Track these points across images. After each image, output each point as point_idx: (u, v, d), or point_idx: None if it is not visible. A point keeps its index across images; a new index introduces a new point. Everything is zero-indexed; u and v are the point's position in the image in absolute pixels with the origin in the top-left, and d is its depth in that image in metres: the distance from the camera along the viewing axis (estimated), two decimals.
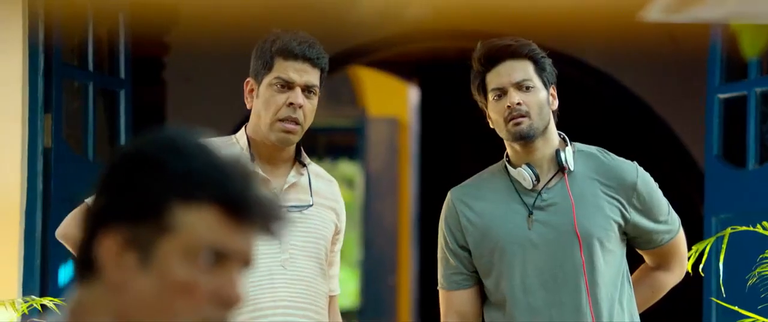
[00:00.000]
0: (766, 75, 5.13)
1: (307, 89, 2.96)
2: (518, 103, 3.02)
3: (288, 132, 2.94)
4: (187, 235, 1.37)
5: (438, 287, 3.17)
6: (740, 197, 5.06)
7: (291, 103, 2.92)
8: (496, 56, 3.07)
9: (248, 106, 3.01)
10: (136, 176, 1.39)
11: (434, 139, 9.57)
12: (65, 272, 5.02)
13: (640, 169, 3.13)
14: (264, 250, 2.92)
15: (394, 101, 10.06)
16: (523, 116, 3.02)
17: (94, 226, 1.39)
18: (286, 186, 2.99)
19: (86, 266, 1.39)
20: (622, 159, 3.15)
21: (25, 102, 4.88)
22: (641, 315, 3.19)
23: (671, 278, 3.23)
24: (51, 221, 4.93)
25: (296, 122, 2.94)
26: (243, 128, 3.03)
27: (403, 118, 10.15)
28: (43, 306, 4.03)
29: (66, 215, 5.16)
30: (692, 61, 6.11)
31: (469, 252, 3.10)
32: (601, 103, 7.80)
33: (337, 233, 3.13)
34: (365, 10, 7.03)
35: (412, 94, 9.80)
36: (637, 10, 5.90)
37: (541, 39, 3.26)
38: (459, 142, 9.17)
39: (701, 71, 5.30)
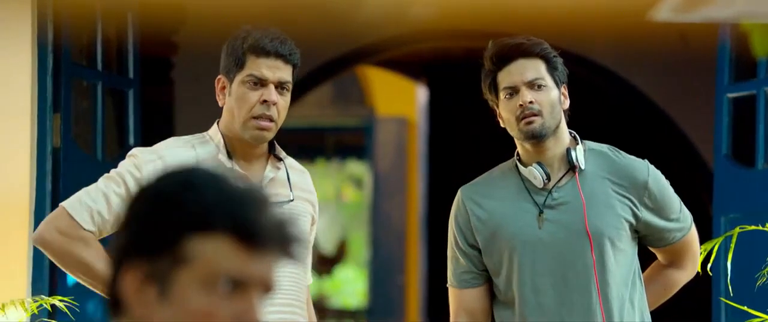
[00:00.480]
0: None
1: (279, 86, 2.95)
2: (530, 102, 3.01)
3: (262, 129, 2.94)
4: (203, 265, 1.40)
5: (448, 286, 3.17)
6: (749, 196, 5.05)
7: (265, 101, 2.93)
8: (508, 55, 3.07)
9: (220, 104, 3.00)
10: (152, 211, 1.43)
11: (442, 138, 9.56)
12: None
13: (652, 167, 3.13)
14: None
15: (402, 101, 10.06)
16: (535, 115, 3.02)
17: (117, 263, 1.44)
18: (266, 182, 2.99)
19: (115, 302, 1.43)
20: (633, 157, 3.14)
21: (34, 102, 4.88)
22: (651, 314, 3.19)
23: (683, 276, 3.22)
24: None
25: (270, 119, 2.94)
26: (215, 124, 3.03)
27: (411, 118, 10.15)
28: (52, 306, 4.03)
29: None
30: (701, 61, 6.10)
31: (479, 251, 3.10)
32: (609, 103, 7.80)
33: (312, 223, 3.13)
34: (372, 10, 7.03)
35: (421, 93, 9.80)
36: (646, 10, 5.89)
37: (549, 38, 3.26)
38: (467, 141, 9.16)
39: (710, 71, 5.29)
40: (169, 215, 1.42)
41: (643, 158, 3.22)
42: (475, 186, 3.14)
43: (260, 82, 2.93)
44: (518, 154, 3.12)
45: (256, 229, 1.41)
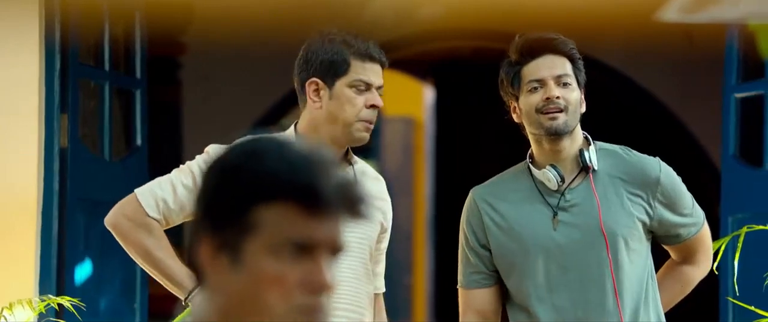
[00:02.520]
0: None
1: (378, 89, 3.08)
2: (557, 97, 3.00)
3: (367, 131, 3.05)
4: (270, 233, 1.47)
5: (458, 286, 3.16)
6: (757, 196, 5.04)
7: (373, 105, 3.04)
8: (537, 48, 3.05)
9: (312, 107, 3.05)
10: (219, 183, 1.50)
11: (450, 138, 9.56)
12: (81, 272, 5.04)
13: (663, 163, 3.12)
14: None
15: (409, 101, 10.06)
16: (560, 111, 3.01)
17: (193, 236, 1.51)
18: None
19: (196, 273, 1.52)
20: (644, 155, 3.14)
21: (41, 102, 4.89)
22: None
23: (698, 272, 3.21)
24: (67, 220, 4.94)
25: (372, 122, 3.05)
26: (292, 127, 3.07)
27: (418, 118, 10.15)
28: (59, 305, 4.04)
29: (82, 214, 5.19)
30: (709, 61, 6.09)
31: (490, 251, 3.09)
32: (616, 103, 7.79)
33: (383, 231, 3.17)
34: (379, 10, 7.03)
35: (428, 93, 9.80)
36: (653, 10, 5.89)
37: None
38: (474, 141, 9.16)
39: (718, 71, 5.29)
40: (235, 185, 1.47)
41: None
42: (487, 187, 3.13)
43: (367, 87, 3.02)
44: (531, 156, 3.11)
45: (318, 192, 1.46)
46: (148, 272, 3.03)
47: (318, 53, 3.04)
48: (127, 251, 3.03)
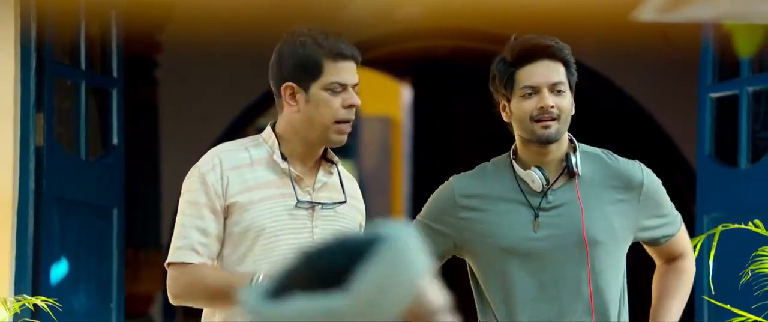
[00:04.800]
0: (758, 74, 5.14)
1: (354, 87, 3.05)
2: (552, 106, 3.00)
3: (345, 133, 3.03)
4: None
5: None
6: (732, 195, 5.07)
7: (350, 105, 3.02)
8: (533, 54, 3.04)
9: (288, 110, 3.05)
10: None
11: (427, 137, 9.57)
12: (57, 271, 5.02)
13: (645, 167, 3.13)
14: (295, 246, 2.95)
15: (387, 100, 10.06)
16: (553, 120, 3.00)
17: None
18: (319, 185, 3.04)
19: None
20: (626, 160, 3.14)
21: (17, 101, 4.87)
22: (634, 311, 3.19)
23: (690, 263, 3.20)
24: (43, 220, 4.92)
25: (350, 122, 3.04)
26: (268, 127, 3.06)
27: (396, 117, 10.15)
28: (35, 305, 4.03)
29: (58, 214, 5.17)
30: (685, 61, 6.12)
31: (448, 245, 3.09)
32: (592, 103, 7.81)
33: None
34: (358, 10, 7.03)
35: (405, 93, 9.81)
36: (630, 10, 5.91)
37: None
38: (452, 140, 9.17)
39: (693, 70, 5.31)
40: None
41: (625, 157, 3.22)
42: (469, 179, 3.12)
43: (343, 87, 3.01)
44: (515, 153, 3.11)
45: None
46: (228, 304, 2.96)
47: (290, 56, 3.03)
48: (213, 306, 3.00)
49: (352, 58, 3.02)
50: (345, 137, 3.03)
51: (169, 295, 3.01)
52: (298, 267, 1.42)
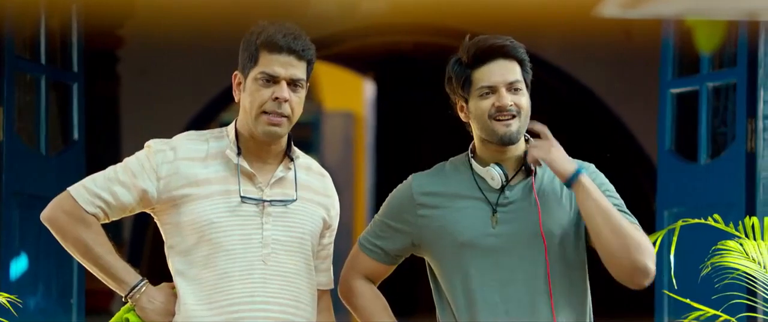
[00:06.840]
0: (718, 70, 5.18)
1: (292, 83, 2.97)
2: (511, 105, 3.01)
3: (273, 125, 2.96)
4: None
5: (357, 241, 3.20)
6: (692, 190, 5.11)
7: (276, 98, 2.95)
8: (488, 54, 3.05)
9: (236, 100, 3.03)
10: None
11: (390, 133, 9.58)
12: (17, 267, 4.99)
13: (592, 166, 3.15)
14: (245, 245, 2.94)
15: (349, 95, 10.06)
16: (513, 117, 3.02)
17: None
18: (273, 181, 3.01)
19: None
20: (579, 160, 3.16)
21: None
22: (594, 306, 3.21)
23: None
24: (2, 215, 4.89)
25: (281, 115, 2.97)
26: (233, 122, 3.04)
27: (358, 112, 10.16)
28: None
29: (18, 208, 5.13)
30: (645, 56, 6.16)
31: (406, 243, 3.10)
32: (553, 98, 7.85)
33: (326, 227, 3.14)
34: (322, 5, 7.03)
35: (368, 88, 9.81)
36: (591, 6, 5.94)
37: (496, 33, 3.27)
38: (414, 135, 9.18)
39: (654, 66, 5.35)
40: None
41: (587, 153, 3.24)
42: (427, 177, 3.14)
43: (272, 79, 2.96)
44: (473, 150, 3.12)
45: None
46: (87, 267, 3.00)
47: (242, 45, 3.02)
48: (65, 247, 3.00)
49: (291, 51, 2.95)
50: (275, 130, 2.96)
51: (47, 211, 2.99)
52: None
